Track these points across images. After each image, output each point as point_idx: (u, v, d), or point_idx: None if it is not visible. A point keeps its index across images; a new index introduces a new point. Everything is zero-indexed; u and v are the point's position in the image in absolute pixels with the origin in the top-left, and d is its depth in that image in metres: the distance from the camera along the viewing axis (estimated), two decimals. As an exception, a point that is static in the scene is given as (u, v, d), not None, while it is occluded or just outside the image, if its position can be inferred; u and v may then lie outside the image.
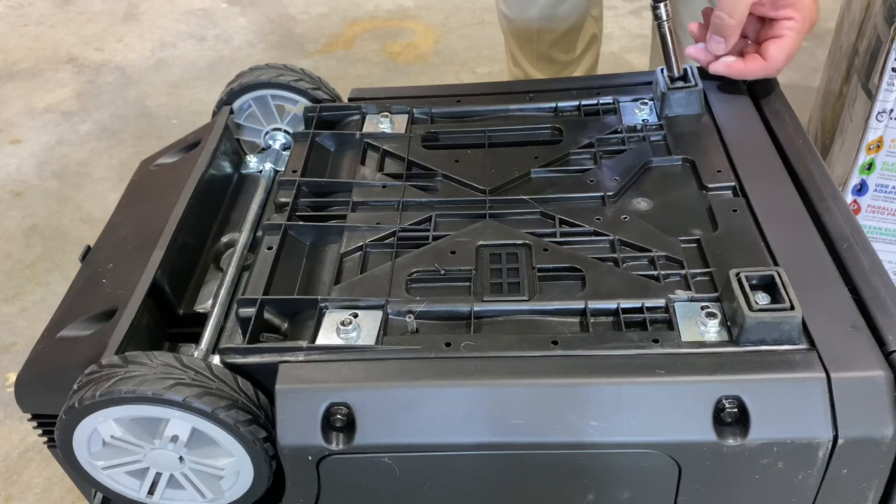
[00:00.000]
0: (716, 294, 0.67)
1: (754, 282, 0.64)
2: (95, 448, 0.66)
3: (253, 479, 0.67)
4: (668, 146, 0.84)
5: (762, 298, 0.63)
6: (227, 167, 0.91)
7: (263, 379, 0.66)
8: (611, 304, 0.67)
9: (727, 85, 0.90)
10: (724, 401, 0.60)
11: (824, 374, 0.60)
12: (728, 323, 0.64)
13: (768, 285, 0.63)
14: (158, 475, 0.68)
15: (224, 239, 0.85)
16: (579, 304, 0.68)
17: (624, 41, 2.26)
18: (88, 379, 0.63)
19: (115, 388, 0.62)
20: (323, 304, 0.69)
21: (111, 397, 0.62)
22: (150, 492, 0.69)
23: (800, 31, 0.85)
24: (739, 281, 0.63)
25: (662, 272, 0.70)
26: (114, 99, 2.12)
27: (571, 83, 0.97)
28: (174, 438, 0.64)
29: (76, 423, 0.64)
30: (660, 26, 0.90)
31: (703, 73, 0.90)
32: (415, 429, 0.62)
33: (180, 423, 0.63)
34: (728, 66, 0.88)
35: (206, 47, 2.31)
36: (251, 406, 0.64)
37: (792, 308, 0.61)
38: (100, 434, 0.65)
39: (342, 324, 0.66)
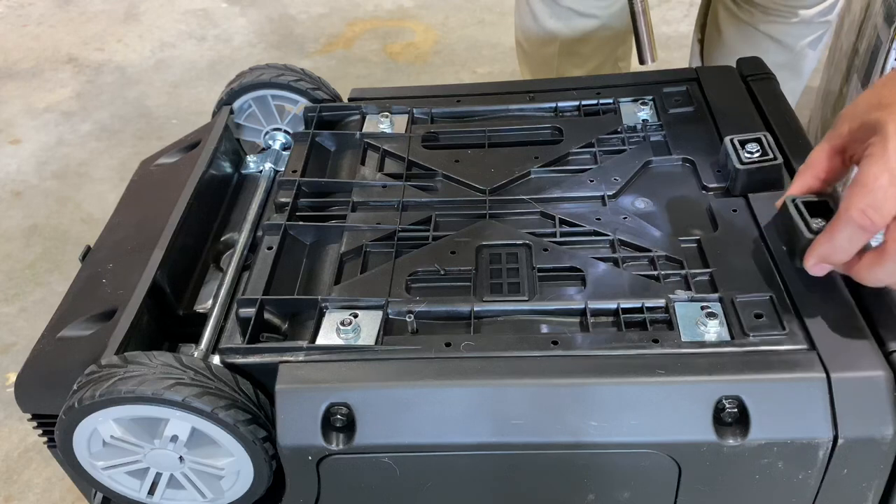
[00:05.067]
0: (716, 294, 0.67)
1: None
2: (95, 448, 0.66)
3: (253, 479, 0.67)
4: (668, 146, 0.84)
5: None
6: (227, 167, 0.91)
7: (263, 379, 0.66)
8: (611, 304, 0.67)
9: (725, 83, 0.90)
10: (724, 401, 0.60)
11: (824, 374, 0.60)
12: None
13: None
14: (159, 475, 0.68)
15: (224, 239, 0.85)
16: (579, 304, 0.68)
17: (624, 41, 2.25)
18: (88, 379, 0.63)
19: (114, 388, 0.62)
20: (323, 304, 0.69)
21: (110, 397, 0.62)
22: (151, 492, 0.69)
23: None
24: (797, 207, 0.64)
25: (662, 272, 0.70)
26: (114, 99, 2.12)
27: (571, 83, 0.96)
28: (174, 438, 0.64)
29: (76, 424, 0.64)
30: (631, 2, 0.77)
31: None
32: (415, 429, 0.62)
33: (180, 423, 0.63)
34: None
35: (206, 47, 2.31)
36: (250, 405, 0.64)
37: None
38: (100, 434, 0.65)
39: (342, 324, 0.66)
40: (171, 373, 0.63)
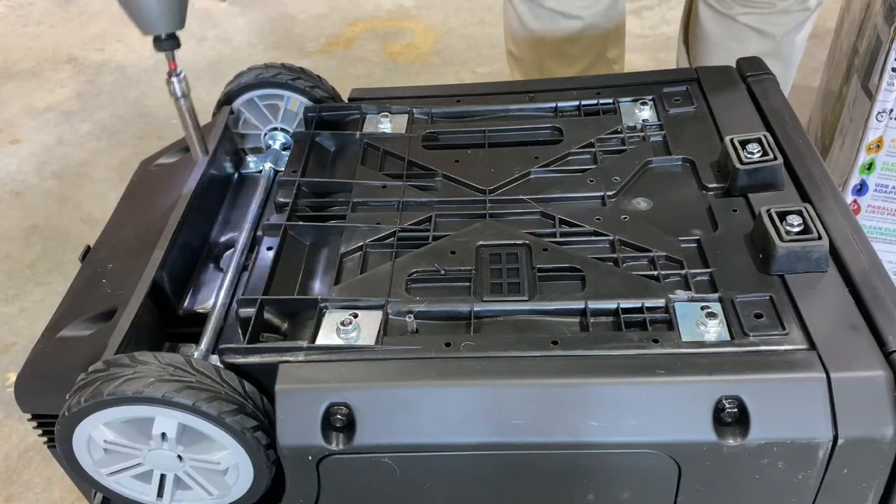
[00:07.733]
0: (716, 294, 0.67)
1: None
2: (97, 455, 0.67)
3: (253, 472, 0.66)
4: (667, 146, 0.84)
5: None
6: (227, 167, 0.91)
7: (263, 379, 0.66)
8: (611, 304, 0.67)
9: (727, 85, 0.90)
10: (724, 401, 0.60)
11: (824, 374, 0.60)
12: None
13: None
14: (164, 477, 0.68)
15: (224, 239, 0.85)
16: (579, 304, 0.68)
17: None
18: (77, 386, 0.64)
19: (98, 392, 0.62)
20: (323, 305, 0.69)
21: (95, 401, 0.62)
22: (160, 494, 0.69)
23: None
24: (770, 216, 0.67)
25: (662, 272, 0.70)
26: (114, 99, 2.12)
27: (571, 83, 0.97)
28: (164, 436, 0.64)
29: (71, 431, 0.64)
30: (177, 103, 0.81)
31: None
32: (415, 429, 0.62)
33: (166, 420, 0.63)
34: None
35: (207, 47, 2.31)
36: (236, 396, 0.64)
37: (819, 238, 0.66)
38: (96, 441, 0.65)
39: (342, 324, 0.66)
40: (151, 371, 0.63)
